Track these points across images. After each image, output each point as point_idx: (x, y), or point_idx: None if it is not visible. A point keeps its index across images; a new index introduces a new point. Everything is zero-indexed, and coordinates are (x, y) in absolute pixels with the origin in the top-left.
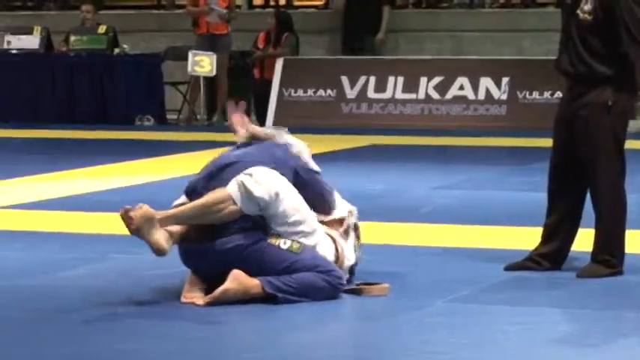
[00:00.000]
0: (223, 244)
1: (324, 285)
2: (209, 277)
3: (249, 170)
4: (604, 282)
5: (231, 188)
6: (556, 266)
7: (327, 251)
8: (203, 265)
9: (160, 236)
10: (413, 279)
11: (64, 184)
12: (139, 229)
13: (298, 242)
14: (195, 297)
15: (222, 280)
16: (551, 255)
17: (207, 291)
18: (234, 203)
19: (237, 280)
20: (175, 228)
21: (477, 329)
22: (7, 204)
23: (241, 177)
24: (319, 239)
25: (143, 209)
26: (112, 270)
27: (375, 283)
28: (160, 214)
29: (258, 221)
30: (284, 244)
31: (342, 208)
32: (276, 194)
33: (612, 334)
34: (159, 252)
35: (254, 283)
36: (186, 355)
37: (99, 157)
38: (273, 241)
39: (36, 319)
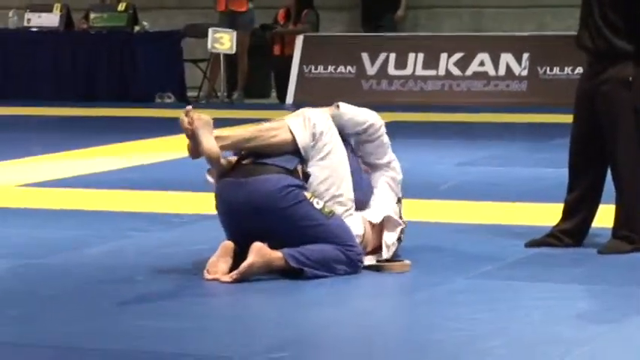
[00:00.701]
0: (262, 180)
1: (343, 259)
2: (236, 219)
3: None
4: (625, 258)
5: (290, 117)
6: (577, 242)
7: (355, 228)
8: (236, 202)
9: (214, 143)
10: (434, 256)
11: (84, 162)
12: (196, 130)
13: (331, 207)
14: (219, 273)
15: (247, 227)
16: (572, 231)
17: (233, 265)
18: (290, 131)
19: (260, 253)
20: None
21: (498, 306)
22: (28, 182)
23: (302, 109)
24: (351, 212)
25: (202, 115)
26: (132, 247)
27: (396, 260)
28: (216, 131)
29: (299, 171)
30: (317, 203)
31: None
32: (330, 129)
33: (633, 310)
34: (212, 155)
35: (277, 256)
36: (207, 332)
37: (119, 134)
38: (308, 195)
39: (59, 297)
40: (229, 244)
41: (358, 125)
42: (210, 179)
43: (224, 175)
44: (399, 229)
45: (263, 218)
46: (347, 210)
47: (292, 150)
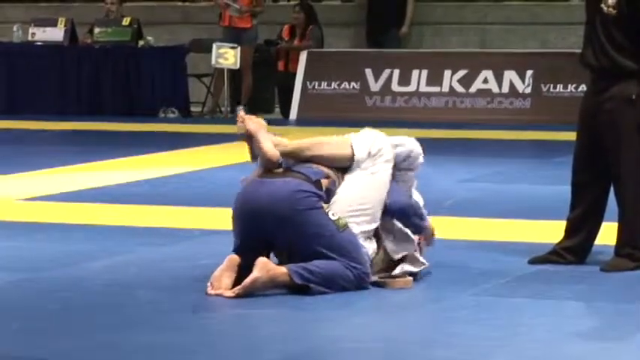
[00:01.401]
0: (282, 181)
1: (350, 277)
2: (250, 218)
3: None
4: (628, 275)
5: (355, 135)
6: (580, 260)
7: (367, 246)
8: (253, 199)
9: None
10: (437, 272)
11: (89, 177)
12: (253, 132)
13: (346, 220)
14: (223, 287)
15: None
16: (575, 248)
17: (237, 280)
18: (350, 146)
19: (264, 268)
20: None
21: (500, 322)
22: (34, 196)
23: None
24: (369, 233)
25: (254, 117)
26: (136, 262)
27: (399, 276)
28: (274, 138)
29: (323, 184)
30: (333, 215)
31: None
32: (387, 154)
33: (636, 327)
34: (272, 158)
35: (281, 272)
36: (211, 347)
37: (123, 149)
38: (325, 206)
39: (61, 311)
40: (235, 259)
41: (406, 151)
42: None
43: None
44: (419, 268)
45: (276, 219)
46: (366, 228)
47: (347, 165)
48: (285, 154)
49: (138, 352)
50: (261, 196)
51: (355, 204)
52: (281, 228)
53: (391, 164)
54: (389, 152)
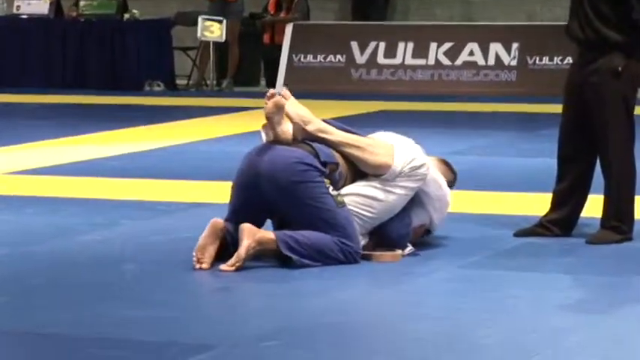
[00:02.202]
0: (289, 149)
1: (338, 255)
2: (250, 180)
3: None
4: (614, 248)
5: (401, 147)
6: (566, 232)
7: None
8: (258, 161)
9: (288, 128)
10: (423, 245)
11: (74, 150)
12: (270, 116)
13: (343, 198)
14: (207, 257)
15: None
16: (561, 221)
17: (219, 248)
18: (392, 156)
19: (250, 232)
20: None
21: (486, 295)
22: (17, 169)
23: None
24: (370, 225)
25: (279, 99)
26: (121, 236)
27: (387, 250)
28: (324, 124)
29: (329, 165)
30: (332, 190)
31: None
32: (422, 178)
33: (622, 300)
34: (284, 141)
35: (269, 237)
36: (195, 321)
37: (108, 122)
38: (327, 182)
39: (46, 285)
40: (218, 223)
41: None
42: (263, 135)
43: None
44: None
45: (274, 186)
46: (367, 220)
47: (381, 174)
48: (328, 143)
49: (122, 326)
50: (263, 162)
51: (364, 206)
52: (278, 196)
53: (418, 185)
54: (422, 177)
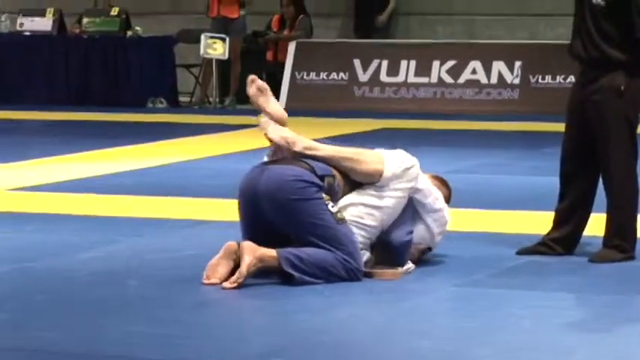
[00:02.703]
0: (286, 168)
1: (341, 272)
2: (251, 200)
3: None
4: (616, 267)
5: (390, 153)
6: (568, 251)
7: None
8: (257, 182)
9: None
10: (425, 263)
11: (77, 167)
12: (254, 98)
13: (343, 215)
14: (218, 276)
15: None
16: (563, 240)
17: (234, 269)
18: (382, 163)
19: (251, 250)
20: None
21: (488, 314)
22: (21, 186)
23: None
24: (364, 245)
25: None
26: (124, 253)
27: (388, 267)
28: (310, 141)
29: (326, 179)
30: (332, 207)
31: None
32: (414, 177)
33: (624, 319)
34: (278, 118)
35: (270, 255)
36: (198, 339)
37: (111, 139)
38: (326, 198)
39: (48, 302)
40: (232, 246)
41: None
42: (262, 120)
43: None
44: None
45: (273, 205)
46: (363, 238)
47: (373, 182)
48: (317, 158)
49: (125, 344)
50: (261, 181)
51: (366, 215)
52: (278, 214)
53: (412, 185)
54: (414, 176)
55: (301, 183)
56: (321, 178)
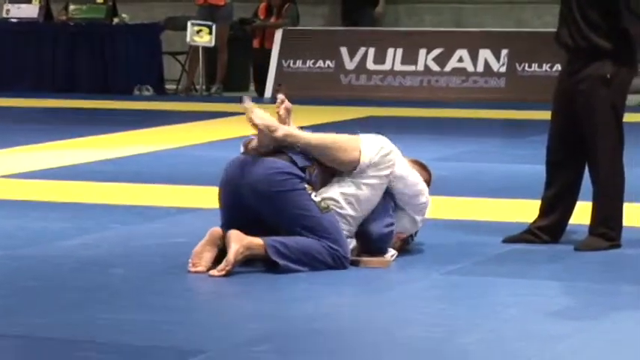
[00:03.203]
0: (267, 160)
1: (327, 259)
2: (234, 193)
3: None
4: (602, 255)
5: (367, 138)
6: (554, 239)
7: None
8: (238, 176)
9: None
10: (412, 251)
11: (63, 154)
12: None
13: (327, 203)
14: (203, 262)
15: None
16: (549, 228)
17: (218, 255)
18: (359, 151)
19: (238, 238)
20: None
21: (474, 302)
22: (6, 173)
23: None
24: (348, 233)
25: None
26: (109, 240)
27: (373, 255)
28: (291, 128)
29: (308, 169)
30: (315, 196)
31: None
32: (391, 165)
33: (610, 307)
34: (267, 124)
35: (258, 243)
36: (185, 325)
37: (98, 126)
38: (309, 188)
39: (35, 288)
40: (217, 231)
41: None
42: (247, 105)
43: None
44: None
45: (257, 198)
46: (347, 226)
47: (351, 169)
48: (296, 146)
49: (114, 331)
50: (243, 174)
51: (347, 204)
52: (263, 207)
53: (389, 172)
54: (391, 163)
55: (284, 175)
56: (302, 169)
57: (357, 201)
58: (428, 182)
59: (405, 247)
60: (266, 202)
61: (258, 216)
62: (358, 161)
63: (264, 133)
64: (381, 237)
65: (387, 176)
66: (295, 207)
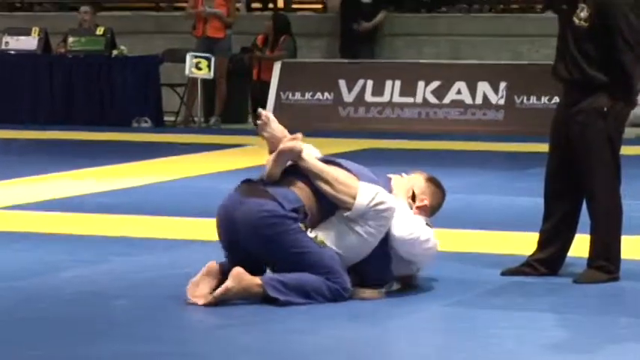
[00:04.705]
0: (256, 203)
1: (325, 293)
2: (230, 234)
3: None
4: (600, 288)
5: (365, 185)
6: (552, 272)
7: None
8: (231, 219)
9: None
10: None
11: (61, 186)
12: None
13: (323, 237)
14: (199, 294)
15: (239, 244)
16: (547, 260)
17: (216, 287)
18: (354, 197)
19: (238, 278)
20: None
21: (472, 334)
22: (5, 205)
23: (379, 188)
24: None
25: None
26: (109, 272)
27: (371, 286)
28: (308, 146)
29: (299, 210)
30: (310, 232)
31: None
32: (386, 221)
33: (608, 339)
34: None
35: (255, 283)
36: (183, 357)
37: (96, 158)
38: (302, 226)
39: (34, 320)
40: (214, 266)
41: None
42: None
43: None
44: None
45: (253, 239)
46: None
47: (344, 208)
48: (302, 168)
49: None
50: (237, 219)
51: (333, 246)
52: (261, 249)
53: (386, 227)
54: (385, 217)
55: (276, 218)
56: (294, 210)
57: (344, 249)
58: (440, 205)
59: (412, 284)
60: (263, 246)
61: (255, 254)
62: (351, 205)
63: (280, 140)
64: (379, 280)
65: (380, 232)
66: (293, 247)
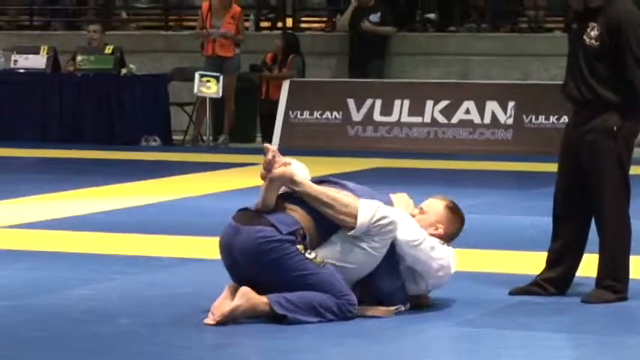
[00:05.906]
0: (253, 230)
1: (333, 309)
2: (232, 262)
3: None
4: (608, 308)
5: (365, 202)
6: (561, 291)
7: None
8: (231, 246)
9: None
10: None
11: (70, 204)
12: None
13: (322, 258)
14: (217, 318)
15: (242, 271)
16: (556, 280)
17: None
18: (354, 217)
19: (245, 297)
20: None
21: (480, 354)
22: (13, 223)
23: (379, 202)
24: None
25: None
26: (115, 290)
27: (380, 305)
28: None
29: (296, 232)
30: (309, 253)
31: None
32: (391, 232)
33: (616, 359)
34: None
35: (262, 301)
36: None
37: (104, 177)
38: (301, 248)
39: (39, 339)
40: (233, 286)
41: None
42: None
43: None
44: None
45: (253, 266)
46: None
47: (345, 227)
48: (298, 193)
49: None
50: (236, 246)
51: (339, 262)
52: (262, 276)
53: (389, 241)
54: (388, 233)
55: (274, 243)
56: (291, 233)
57: (348, 268)
58: (455, 233)
59: (425, 304)
60: (264, 273)
61: (258, 280)
62: (352, 225)
63: (282, 179)
64: (390, 294)
65: (383, 247)
66: (293, 270)
